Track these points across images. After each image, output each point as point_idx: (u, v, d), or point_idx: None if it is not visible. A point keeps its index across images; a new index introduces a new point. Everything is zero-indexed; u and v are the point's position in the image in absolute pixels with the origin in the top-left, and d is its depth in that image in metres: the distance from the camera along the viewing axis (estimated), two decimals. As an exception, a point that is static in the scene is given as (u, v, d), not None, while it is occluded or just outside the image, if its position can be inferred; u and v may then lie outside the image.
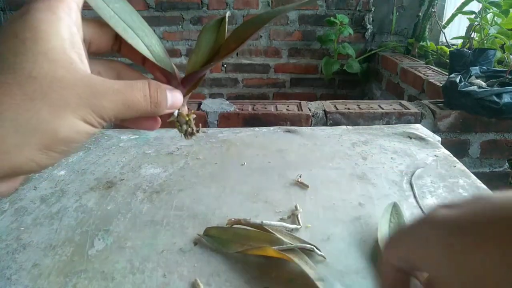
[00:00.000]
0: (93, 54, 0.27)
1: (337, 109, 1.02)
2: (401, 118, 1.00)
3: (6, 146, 0.20)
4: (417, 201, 0.47)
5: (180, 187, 0.50)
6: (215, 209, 0.46)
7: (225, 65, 2.08)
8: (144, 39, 0.27)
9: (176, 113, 0.29)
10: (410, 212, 0.45)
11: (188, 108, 0.30)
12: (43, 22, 0.22)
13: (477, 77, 1.08)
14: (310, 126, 1.00)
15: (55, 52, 0.22)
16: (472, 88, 0.97)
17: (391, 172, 0.55)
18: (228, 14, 0.31)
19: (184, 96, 0.28)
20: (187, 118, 0.29)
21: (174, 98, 0.27)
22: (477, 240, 0.19)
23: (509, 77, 1.02)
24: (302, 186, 0.51)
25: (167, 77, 0.28)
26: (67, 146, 0.22)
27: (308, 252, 0.36)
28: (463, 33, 1.57)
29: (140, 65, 0.30)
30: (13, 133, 0.20)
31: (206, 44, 0.29)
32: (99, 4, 0.25)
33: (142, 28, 0.27)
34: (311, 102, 1.08)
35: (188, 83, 0.28)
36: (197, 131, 0.30)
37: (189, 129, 0.30)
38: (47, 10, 0.22)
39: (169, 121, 0.29)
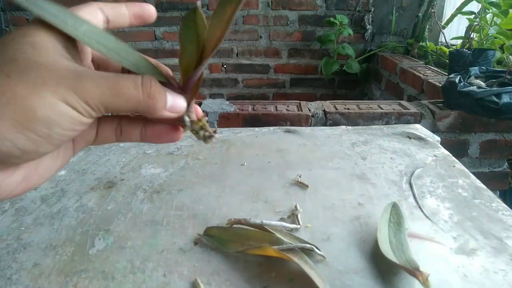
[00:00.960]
0: None
1: (336, 109, 1.02)
2: (401, 118, 1.00)
3: None
4: (416, 201, 0.47)
5: (180, 187, 0.51)
6: (215, 209, 0.46)
7: (225, 66, 2.08)
8: (129, 58, 0.25)
9: (188, 122, 0.28)
10: (409, 212, 0.45)
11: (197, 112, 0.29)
12: (42, 26, 0.22)
13: (476, 77, 1.08)
14: (310, 126, 1.00)
15: (42, 44, 0.22)
16: (471, 88, 0.97)
17: (390, 172, 0.55)
18: (198, 3, 0.28)
19: (189, 102, 0.27)
20: (200, 124, 0.29)
21: (175, 101, 0.26)
22: None
23: (509, 77, 1.02)
24: (302, 186, 0.51)
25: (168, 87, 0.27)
26: (48, 128, 0.21)
27: (308, 251, 0.36)
28: (462, 34, 1.57)
29: None
30: None
31: (189, 42, 0.27)
32: (71, 29, 0.23)
33: (122, 48, 0.25)
34: (311, 102, 1.08)
35: (188, 88, 0.28)
36: (215, 132, 0.29)
37: (206, 133, 0.29)
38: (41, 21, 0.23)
39: (184, 132, 0.29)
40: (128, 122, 0.28)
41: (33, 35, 0.22)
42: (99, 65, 0.27)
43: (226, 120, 1.03)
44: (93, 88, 0.21)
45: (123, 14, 0.27)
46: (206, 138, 0.29)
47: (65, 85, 0.21)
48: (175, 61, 2.04)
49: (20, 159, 0.22)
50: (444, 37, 1.59)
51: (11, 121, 0.20)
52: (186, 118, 0.28)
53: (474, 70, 1.10)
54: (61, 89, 0.21)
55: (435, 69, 1.46)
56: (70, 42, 0.24)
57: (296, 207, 0.45)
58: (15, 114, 0.20)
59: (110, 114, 0.25)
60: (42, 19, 0.22)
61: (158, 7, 1.94)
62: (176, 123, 0.28)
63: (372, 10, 1.96)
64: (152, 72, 0.26)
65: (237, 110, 1.04)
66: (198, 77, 0.28)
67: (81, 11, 0.25)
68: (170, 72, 0.28)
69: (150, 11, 0.28)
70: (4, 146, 0.20)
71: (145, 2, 1.90)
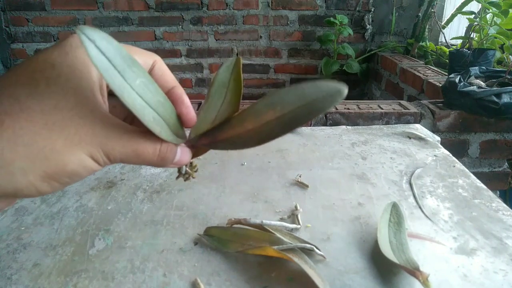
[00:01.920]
0: (110, 93, 0.28)
1: (336, 109, 1.02)
2: (401, 118, 1.00)
3: (13, 168, 0.21)
4: (416, 201, 0.47)
5: (180, 187, 0.51)
6: (215, 209, 0.46)
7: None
8: (161, 112, 0.25)
9: (184, 171, 0.30)
10: (409, 212, 0.45)
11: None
12: (80, 61, 0.23)
13: (476, 77, 1.08)
14: (310, 126, 1.00)
15: (84, 92, 0.23)
16: (471, 88, 0.97)
17: (390, 172, 0.55)
18: (235, 58, 0.29)
19: (192, 157, 0.29)
20: (192, 173, 0.31)
21: (182, 156, 0.27)
22: None
23: (509, 77, 1.02)
24: (302, 186, 0.51)
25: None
26: (70, 179, 0.23)
27: (308, 251, 0.36)
28: (462, 33, 1.57)
29: None
30: (23, 157, 0.21)
31: (217, 99, 0.28)
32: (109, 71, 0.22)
33: (160, 102, 0.25)
34: (311, 102, 1.08)
35: (196, 146, 0.29)
36: (196, 171, 0.32)
37: (190, 177, 0.31)
38: (84, 52, 0.23)
39: (177, 178, 0.31)
40: None
41: (77, 78, 0.23)
42: None
43: (226, 120, 1.03)
44: (119, 149, 0.24)
45: (165, 88, 0.28)
46: (187, 179, 0.31)
47: (96, 144, 0.23)
48: (175, 61, 2.04)
49: (33, 197, 0.23)
50: (444, 37, 1.59)
51: (42, 173, 0.22)
52: (184, 167, 0.30)
53: (474, 70, 1.10)
54: (93, 146, 0.23)
55: (435, 69, 1.46)
56: (100, 77, 0.24)
57: (296, 207, 0.45)
58: (48, 168, 0.22)
59: None
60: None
61: (158, 7, 1.94)
62: None
63: (372, 10, 1.96)
64: (176, 128, 0.27)
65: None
66: (206, 147, 0.29)
67: (139, 55, 0.26)
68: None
69: (188, 116, 0.28)
70: (28, 191, 0.22)
71: (148, 5, 1.87)
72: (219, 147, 0.27)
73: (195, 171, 0.31)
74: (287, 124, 0.23)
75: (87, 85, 0.23)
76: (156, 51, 2.03)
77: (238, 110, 0.27)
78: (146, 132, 0.25)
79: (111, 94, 0.27)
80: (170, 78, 0.29)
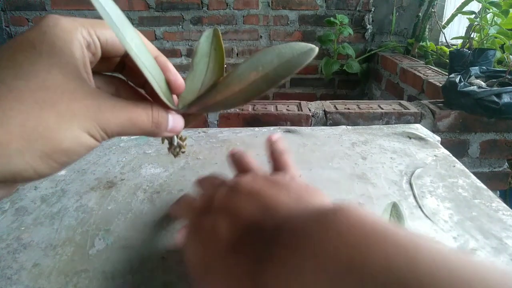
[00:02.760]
0: (94, 71, 0.28)
1: (336, 109, 1.02)
2: (401, 118, 1.00)
3: (9, 150, 0.20)
4: (416, 201, 0.47)
5: (181, 187, 0.51)
6: (215, 209, 0.46)
7: (225, 66, 2.08)
8: (155, 76, 0.27)
9: (176, 142, 0.31)
10: (409, 212, 0.45)
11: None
12: (60, 39, 0.23)
13: (476, 77, 1.08)
14: (310, 126, 1.00)
15: (68, 67, 0.23)
16: (471, 88, 0.97)
17: (390, 172, 0.55)
18: (213, 29, 0.30)
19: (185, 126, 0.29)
20: (183, 145, 0.32)
21: (175, 122, 0.28)
22: None
23: (509, 77, 1.02)
24: (302, 186, 0.51)
25: (168, 108, 0.29)
26: (68, 157, 0.23)
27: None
28: (463, 33, 1.57)
29: (140, 88, 0.31)
30: (18, 138, 0.20)
31: (201, 68, 0.29)
32: (127, 41, 0.24)
33: (153, 65, 0.27)
34: (311, 102, 1.08)
35: (186, 114, 0.29)
36: (184, 151, 0.33)
37: (182, 150, 0.32)
38: (64, 29, 0.23)
39: (169, 150, 0.32)
40: None
41: (60, 56, 0.23)
42: (105, 51, 0.28)
43: (226, 120, 1.03)
44: (114, 120, 0.23)
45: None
46: (178, 154, 0.32)
47: (91, 118, 0.22)
48: (175, 61, 2.04)
49: (32, 180, 0.23)
50: (445, 37, 1.59)
51: (39, 153, 0.21)
52: (175, 138, 0.31)
53: (475, 70, 1.10)
54: (87, 121, 0.22)
55: (436, 69, 1.46)
56: (83, 54, 0.24)
57: (296, 207, 0.45)
58: (44, 147, 0.21)
59: None
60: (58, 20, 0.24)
61: (158, 6, 1.94)
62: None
63: (372, 10, 1.96)
64: (166, 92, 0.27)
65: (237, 110, 1.04)
66: (197, 116, 0.30)
67: None
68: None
69: (177, 82, 0.28)
70: (27, 173, 0.21)
71: (148, 5, 1.87)
72: (209, 111, 0.28)
73: (184, 151, 0.32)
74: (271, 81, 0.25)
75: (71, 62, 0.23)
76: (156, 51, 2.03)
77: (223, 76, 0.28)
78: (135, 101, 0.25)
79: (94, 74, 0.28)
80: (152, 47, 0.29)
